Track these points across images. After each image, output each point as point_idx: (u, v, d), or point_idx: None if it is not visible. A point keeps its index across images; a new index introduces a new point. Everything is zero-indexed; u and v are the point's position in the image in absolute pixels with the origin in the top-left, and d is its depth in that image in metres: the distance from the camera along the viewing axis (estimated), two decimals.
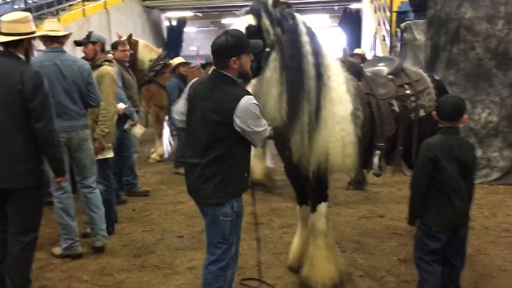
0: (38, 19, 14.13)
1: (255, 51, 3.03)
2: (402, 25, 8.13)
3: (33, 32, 3.40)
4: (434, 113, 3.31)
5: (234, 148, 2.86)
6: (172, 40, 19.84)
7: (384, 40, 10.30)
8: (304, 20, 3.46)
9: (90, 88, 4.35)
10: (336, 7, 20.15)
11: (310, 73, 3.28)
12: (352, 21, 17.69)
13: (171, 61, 8.55)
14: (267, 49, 3.21)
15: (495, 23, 6.96)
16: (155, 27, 19.30)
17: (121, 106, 5.61)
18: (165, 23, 20.59)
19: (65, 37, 4.34)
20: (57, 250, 4.43)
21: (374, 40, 11.75)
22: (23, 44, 3.34)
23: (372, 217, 5.62)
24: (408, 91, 4.10)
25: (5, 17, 3.36)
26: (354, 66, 3.90)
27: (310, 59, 3.29)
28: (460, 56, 7.20)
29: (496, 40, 6.96)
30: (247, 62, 2.91)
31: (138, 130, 6.26)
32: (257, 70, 3.22)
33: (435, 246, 3.19)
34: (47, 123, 3.25)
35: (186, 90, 3.07)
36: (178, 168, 8.00)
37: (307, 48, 3.29)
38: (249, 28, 3.16)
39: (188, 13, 20.49)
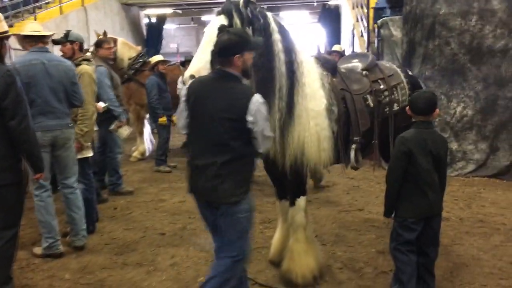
0: (15, 17, 13.99)
1: (256, 48, 3.09)
2: (379, 21, 8.26)
3: (4, 32, 3.37)
4: (407, 108, 3.40)
5: (248, 145, 2.86)
6: (151, 38, 19.77)
7: (362, 36, 10.43)
8: (276, 18, 3.54)
9: (75, 88, 4.40)
10: (315, 3, 20.28)
11: (281, 71, 3.35)
12: (331, 17, 17.84)
13: (150, 59, 8.54)
14: None
15: (469, 19, 7.13)
16: (134, 24, 19.19)
17: (101, 105, 5.61)
18: (144, 21, 20.48)
19: (48, 37, 4.40)
20: (38, 250, 4.42)
21: (353, 36, 11.89)
22: None
23: (351, 210, 5.73)
24: (382, 86, 4.20)
25: None
26: (329, 62, 3.97)
27: (281, 56, 3.36)
28: (435, 52, 7.37)
29: (470, 35, 7.13)
30: (249, 59, 2.94)
31: (124, 131, 6.27)
32: None
33: (410, 237, 3.28)
34: (20, 121, 3.25)
35: (183, 93, 3.00)
36: (159, 166, 8.03)
37: (279, 46, 3.37)
38: (221, 28, 3.20)
39: (168, 10, 20.42)
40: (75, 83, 4.42)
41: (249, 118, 2.75)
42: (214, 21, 3.31)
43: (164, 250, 4.59)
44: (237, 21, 3.27)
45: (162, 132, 8.00)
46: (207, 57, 3.19)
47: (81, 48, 5.21)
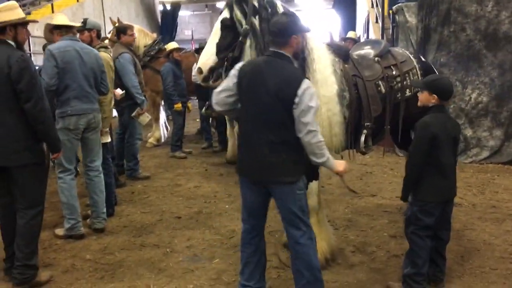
0: (32, 5, 14.13)
1: (306, 31, 3.25)
2: (394, 7, 8.20)
3: (19, 19, 3.53)
4: (425, 92, 3.34)
5: None
6: (166, 25, 19.81)
7: (376, 22, 10.36)
8: (286, 6, 3.61)
9: (103, 76, 4.67)
10: None
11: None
12: (346, 3, 17.65)
13: (165, 46, 8.63)
14: (240, 39, 3.46)
15: (485, 5, 7.08)
16: (149, 11, 19.26)
17: (118, 92, 5.74)
18: (159, 7, 20.52)
19: (76, 27, 4.69)
20: (60, 231, 4.59)
21: (367, 23, 11.81)
22: (8, 30, 3.49)
23: (364, 196, 5.79)
24: (394, 72, 4.23)
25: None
26: (341, 49, 4.01)
27: None
28: (450, 38, 7.34)
29: (485, 21, 7.08)
30: (299, 42, 3.09)
31: (145, 118, 6.46)
32: (234, 59, 3.46)
33: (429, 222, 3.29)
34: (36, 103, 3.41)
35: (234, 74, 3.04)
36: (175, 152, 8.17)
37: None
38: (223, 21, 3.39)
39: None
40: (104, 71, 4.67)
41: (296, 100, 2.83)
42: (221, 15, 3.49)
43: (180, 232, 4.73)
44: (237, 12, 3.43)
45: (177, 119, 8.12)
46: (213, 49, 3.43)
47: (98, 36, 5.33)
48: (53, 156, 3.79)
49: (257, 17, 3.46)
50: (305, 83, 2.87)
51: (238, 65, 3.11)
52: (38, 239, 3.72)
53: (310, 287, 3.07)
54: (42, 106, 3.48)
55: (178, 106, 7.94)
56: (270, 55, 3.00)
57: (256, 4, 3.48)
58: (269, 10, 3.48)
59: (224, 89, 3.09)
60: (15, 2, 3.64)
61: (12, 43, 3.53)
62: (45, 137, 3.59)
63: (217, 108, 3.16)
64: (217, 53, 3.52)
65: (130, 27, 6.91)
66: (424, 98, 3.37)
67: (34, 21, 4.64)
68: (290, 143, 2.94)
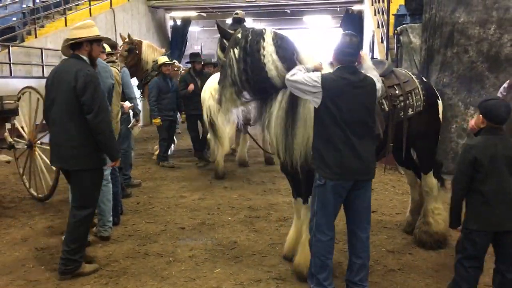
0: (46, 18, 14.48)
1: None
2: (399, 28, 8.39)
3: (96, 36, 3.97)
4: (480, 116, 3.27)
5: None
6: (176, 40, 20.12)
7: (382, 42, 10.55)
8: (277, 32, 3.86)
9: (117, 88, 5.05)
10: (338, 8, 20.37)
11: (278, 78, 3.71)
12: (353, 23, 17.85)
13: (156, 59, 8.88)
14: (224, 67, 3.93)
15: (488, 28, 7.20)
16: (160, 26, 19.60)
17: (127, 104, 5.93)
18: (170, 23, 20.87)
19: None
20: None
21: (372, 42, 12.00)
22: (84, 46, 3.92)
23: None
24: (397, 92, 4.36)
25: (73, 25, 4.08)
26: None
27: (278, 64, 3.69)
28: (453, 59, 7.45)
29: (488, 44, 7.20)
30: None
31: (137, 129, 6.91)
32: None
33: (474, 252, 3.20)
34: (96, 115, 3.75)
35: (317, 83, 3.34)
36: (162, 162, 8.59)
37: (273, 57, 3.70)
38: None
39: (193, 13, 20.76)
40: (114, 85, 4.92)
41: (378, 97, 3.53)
42: None
43: (183, 243, 4.84)
44: (218, 51, 4.22)
45: (160, 132, 8.52)
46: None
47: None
48: (111, 164, 4.13)
49: (237, 47, 3.77)
50: (378, 83, 3.54)
51: (318, 77, 3.38)
52: (85, 239, 4.07)
53: (366, 276, 3.56)
54: (103, 118, 3.81)
55: (156, 121, 8.28)
56: (350, 69, 3.42)
57: (239, 35, 3.81)
58: (250, 37, 3.75)
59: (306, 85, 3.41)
60: (91, 21, 4.06)
61: (86, 58, 3.93)
62: (104, 146, 3.89)
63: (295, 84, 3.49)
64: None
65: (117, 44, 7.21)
66: (477, 120, 3.28)
67: (107, 39, 4.99)
68: (373, 144, 3.50)
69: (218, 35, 4.20)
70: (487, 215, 3.15)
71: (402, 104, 4.38)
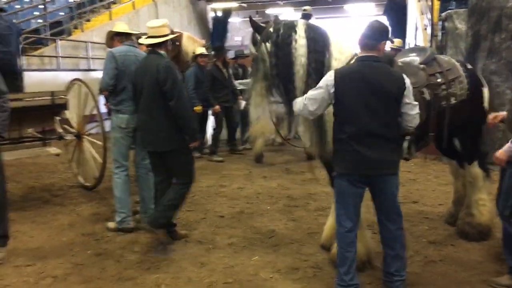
0: (92, 12, 14.91)
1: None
2: (443, 14, 8.12)
3: (169, 34, 4.43)
4: None
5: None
6: (217, 31, 20.24)
7: (426, 29, 10.25)
8: (309, 24, 3.85)
9: None
10: None
11: (300, 72, 3.67)
12: (397, 10, 17.37)
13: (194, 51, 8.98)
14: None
15: None
16: (201, 18, 19.80)
17: None
18: (211, 14, 21.03)
19: (134, 35, 5.18)
20: (111, 224, 4.92)
21: (416, 29, 11.68)
22: (165, 43, 4.38)
23: (406, 202, 5.78)
24: (439, 80, 4.24)
25: (150, 24, 4.43)
26: (385, 57, 4.06)
27: (302, 59, 3.66)
28: (501, 45, 7.16)
29: None
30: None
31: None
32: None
33: None
34: (177, 101, 4.21)
35: (329, 83, 3.30)
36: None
37: (302, 50, 3.66)
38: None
39: (233, 4, 20.82)
40: None
41: (406, 94, 3.28)
42: None
43: (222, 231, 4.93)
44: (251, 46, 3.95)
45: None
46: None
47: None
48: (192, 144, 4.49)
49: (269, 41, 3.75)
50: (407, 79, 3.34)
51: (332, 74, 3.32)
52: (179, 207, 4.59)
53: (403, 267, 3.50)
54: (183, 104, 4.27)
55: (197, 108, 8.33)
56: (368, 60, 3.31)
57: (271, 29, 3.78)
58: (281, 31, 3.72)
59: (322, 99, 3.35)
60: (166, 21, 4.49)
61: (163, 53, 4.38)
62: (185, 128, 4.33)
63: (315, 112, 3.42)
64: None
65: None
66: None
67: (109, 32, 5.24)
68: (396, 138, 3.38)
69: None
70: None
71: (445, 92, 4.26)
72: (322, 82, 3.36)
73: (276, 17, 3.95)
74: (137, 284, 3.76)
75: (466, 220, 4.60)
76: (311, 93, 3.41)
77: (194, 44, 9.42)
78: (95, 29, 13.66)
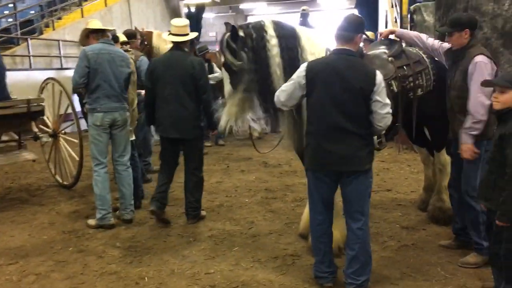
0: (63, 9, 14.70)
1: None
2: (412, 7, 8.34)
3: (189, 34, 4.94)
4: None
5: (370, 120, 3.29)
6: (191, 27, 20.13)
7: (396, 22, 10.48)
8: (280, 24, 3.92)
9: (132, 77, 5.15)
10: None
11: (277, 73, 3.79)
12: (368, 3, 17.65)
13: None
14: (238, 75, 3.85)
15: (502, 3, 7.06)
16: (175, 14, 19.67)
17: (143, 92, 6.08)
18: (184, 10, 20.93)
19: (109, 31, 5.19)
20: (92, 222, 4.96)
21: (386, 22, 11.92)
22: (186, 42, 4.92)
23: (380, 191, 5.99)
24: (406, 72, 4.40)
25: (175, 23, 4.95)
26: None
27: (277, 60, 3.78)
28: None
29: (502, 19, 7.06)
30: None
31: None
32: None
33: None
34: (209, 94, 4.84)
35: (301, 75, 3.32)
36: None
37: (275, 50, 3.78)
38: (223, 65, 3.92)
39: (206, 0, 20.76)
40: (132, 71, 5.11)
41: (376, 90, 3.21)
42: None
43: (202, 224, 5.03)
44: (227, 56, 3.86)
45: None
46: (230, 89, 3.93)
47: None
48: (214, 132, 5.34)
49: (245, 49, 3.79)
50: (379, 75, 3.27)
51: (304, 66, 3.36)
52: (202, 190, 5.13)
53: (361, 271, 3.37)
54: (211, 97, 4.90)
55: None
56: (341, 53, 3.29)
57: (242, 34, 3.80)
58: (254, 35, 3.79)
59: (294, 91, 3.37)
60: (187, 21, 5.09)
61: (186, 49, 4.93)
62: (210, 118, 4.90)
63: (286, 103, 3.44)
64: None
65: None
66: (510, 98, 2.99)
67: (84, 30, 5.23)
68: (367, 134, 3.30)
69: (233, 20, 4.24)
70: None
71: (412, 84, 4.42)
72: (295, 74, 3.41)
73: (228, 23, 3.97)
74: (121, 278, 3.83)
75: (436, 206, 4.81)
76: (284, 84, 3.48)
77: (165, 41, 9.44)
78: (67, 27, 13.50)
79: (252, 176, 6.96)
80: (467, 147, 3.70)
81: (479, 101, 3.63)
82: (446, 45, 4.19)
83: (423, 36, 4.49)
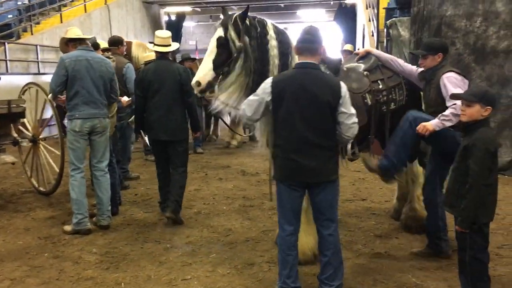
0: (41, 15, 14.57)
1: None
2: (388, 22, 8.59)
3: (171, 44, 5.38)
4: (478, 106, 3.06)
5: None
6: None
7: (373, 35, 10.75)
8: (278, 27, 3.98)
9: (113, 84, 5.15)
10: (332, 2, 20.54)
11: (274, 73, 3.79)
12: (347, 16, 18.05)
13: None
14: (235, 56, 3.78)
15: (474, 21, 7.43)
16: (155, 22, 19.70)
17: (125, 99, 6.12)
18: (164, 18, 20.98)
19: (88, 39, 5.20)
20: (68, 228, 4.93)
21: (363, 36, 12.21)
22: (169, 52, 5.38)
23: (355, 200, 6.12)
24: (381, 86, 4.53)
25: (160, 34, 5.33)
26: (332, 62, 4.32)
27: (275, 61, 3.83)
28: None
29: (474, 36, 7.43)
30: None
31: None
32: (227, 73, 3.82)
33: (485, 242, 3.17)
34: (193, 98, 5.18)
35: (266, 90, 3.29)
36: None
37: (274, 51, 3.83)
38: (219, 39, 3.82)
39: (187, 8, 20.88)
40: (113, 79, 5.09)
41: (341, 103, 3.23)
42: (215, 33, 3.87)
43: (180, 230, 5.05)
44: (231, 32, 3.76)
45: None
46: (210, 65, 3.82)
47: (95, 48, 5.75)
48: (196, 135, 5.82)
49: (251, 35, 3.82)
50: (344, 86, 3.29)
51: (269, 82, 3.32)
52: (185, 187, 5.37)
53: (335, 276, 3.41)
54: (195, 101, 5.31)
55: None
56: (305, 66, 3.29)
57: (248, 23, 3.84)
58: (259, 29, 3.86)
59: (259, 104, 3.33)
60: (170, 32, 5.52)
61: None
62: (194, 120, 5.44)
63: (251, 117, 3.40)
64: (214, 69, 3.83)
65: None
66: (476, 111, 3.06)
67: (62, 38, 5.26)
68: (334, 148, 3.36)
69: (213, 30, 4.19)
70: (494, 205, 3.14)
71: (385, 98, 4.55)
72: (259, 89, 3.36)
73: (225, 8, 4.03)
74: (97, 284, 3.83)
75: (409, 214, 4.95)
76: (249, 98, 3.42)
77: (145, 50, 9.47)
78: (45, 32, 13.39)
79: (230, 184, 7.02)
80: (429, 126, 3.83)
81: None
82: (421, 69, 4.40)
83: (400, 61, 4.67)
